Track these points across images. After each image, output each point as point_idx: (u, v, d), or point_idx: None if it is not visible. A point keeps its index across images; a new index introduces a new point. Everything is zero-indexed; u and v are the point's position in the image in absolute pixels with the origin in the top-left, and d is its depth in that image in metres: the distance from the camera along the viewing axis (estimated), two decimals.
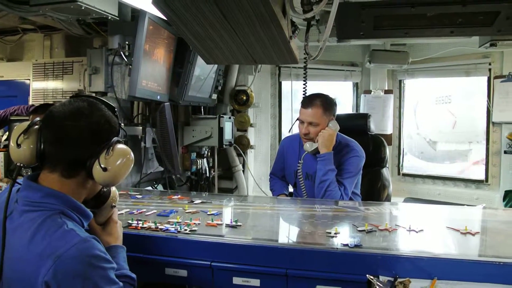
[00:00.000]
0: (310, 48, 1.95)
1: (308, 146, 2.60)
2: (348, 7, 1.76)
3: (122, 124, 1.40)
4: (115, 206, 1.49)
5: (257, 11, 1.33)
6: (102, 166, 1.23)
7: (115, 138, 1.30)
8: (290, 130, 3.07)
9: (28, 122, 1.29)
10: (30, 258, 1.12)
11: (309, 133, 2.59)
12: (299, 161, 2.68)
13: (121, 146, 1.30)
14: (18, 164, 1.28)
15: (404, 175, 4.75)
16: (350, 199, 2.62)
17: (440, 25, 1.88)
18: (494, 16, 1.76)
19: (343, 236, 1.67)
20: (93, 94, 3.33)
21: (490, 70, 4.07)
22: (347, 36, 2.25)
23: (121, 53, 2.82)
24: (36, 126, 1.28)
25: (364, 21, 1.89)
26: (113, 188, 1.47)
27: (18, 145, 1.26)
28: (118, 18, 2.55)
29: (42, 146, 1.25)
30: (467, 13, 1.76)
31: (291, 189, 3.02)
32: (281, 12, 1.44)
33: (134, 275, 1.34)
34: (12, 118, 3.56)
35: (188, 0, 1.31)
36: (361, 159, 2.67)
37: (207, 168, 4.15)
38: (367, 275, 1.42)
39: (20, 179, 1.33)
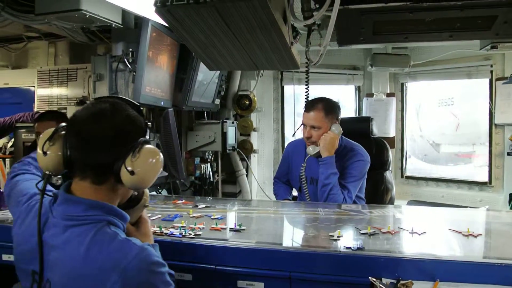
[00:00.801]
0: (312, 52, 1.96)
1: (311, 150, 2.62)
2: (348, 13, 1.78)
3: (149, 123, 1.31)
4: (147, 206, 1.45)
5: (258, 18, 1.36)
6: (129, 169, 1.16)
7: (141, 139, 1.21)
8: (293, 135, 3.08)
9: (53, 128, 1.25)
10: (89, 273, 1.10)
11: (311, 136, 2.61)
12: (302, 165, 2.69)
13: (148, 146, 1.22)
14: (46, 172, 1.24)
15: (408, 177, 4.75)
16: (354, 202, 2.63)
17: (439, 30, 1.90)
18: (492, 20, 1.78)
19: (346, 239, 1.68)
20: None
21: (491, 72, 4.07)
22: (347, 41, 2.28)
23: (125, 60, 2.85)
24: (62, 132, 1.24)
25: (364, 27, 1.91)
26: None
27: (45, 153, 1.22)
28: (121, 26, 2.59)
29: (68, 152, 1.21)
30: (465, 18, 1.78)
31: (295, 193, 3.04)
32: (282, 18, 1.46)
33: (173, 272, 1.27)
34: (17, 125, 3.61)
35: (190, 8, 1.33)
36: (366, 164, 2.68)
37: (210, 173, 4.17)
38: (369, 278, 1.42)
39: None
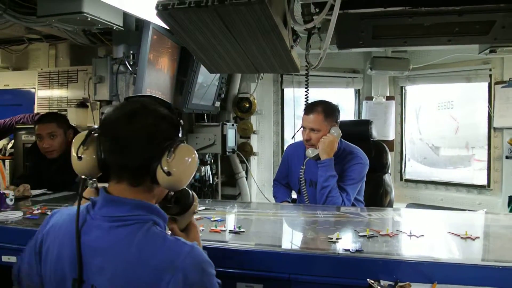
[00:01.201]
0: (312, 55, 1.98)
1: (310, 152, 2.63)
2: (348, 17, 1.80)
3: (182, 121, 1.28)
4: (197, 212, 1.43)
5: (259, 22, 1.37)
6: (165, 169, 1.14)
7: (176, 138, 1.20)
8: (293, 137, 3.09)
9: (85, 132, 1.24)
10: (143, 274, 1.07)
11: (310, 139, 2.62)
12: (301, 167, 2.70)
13: (183, 145, 1.19)
14: (82, 176, 1.23)
15: (407, 180, 4.76)
16: (353, 205, 2.64)
17: (437, 34, 1.92)
18: (490, 25, 1.80)
19: (345, 242, 1.69)
20: (97, 103, 3.39)
21: (490, 76, 4.09)
22: (347, 45, 2.29)
23: (126, 62, 2.86)
24: (95, 135, 1.23)
25: (363, 31, 1.93)
26: (194, 194, 1.42)
27: (79, 157, 1.21)
28: (122, 28, 2.59)
29: (103, 155, 1.19)
30: (463, 23, 1.80)
31: (294, 195, 3.04)
32: (282, 22, 1.47)
33: (220, 281, 1.24)
34: (17, 126, 3.62)
35: (191, 12, 1.34)
36: (364, 166, 2.69)
37: (210, 175, 4.18)
38: (368, 280, 1.43)
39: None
